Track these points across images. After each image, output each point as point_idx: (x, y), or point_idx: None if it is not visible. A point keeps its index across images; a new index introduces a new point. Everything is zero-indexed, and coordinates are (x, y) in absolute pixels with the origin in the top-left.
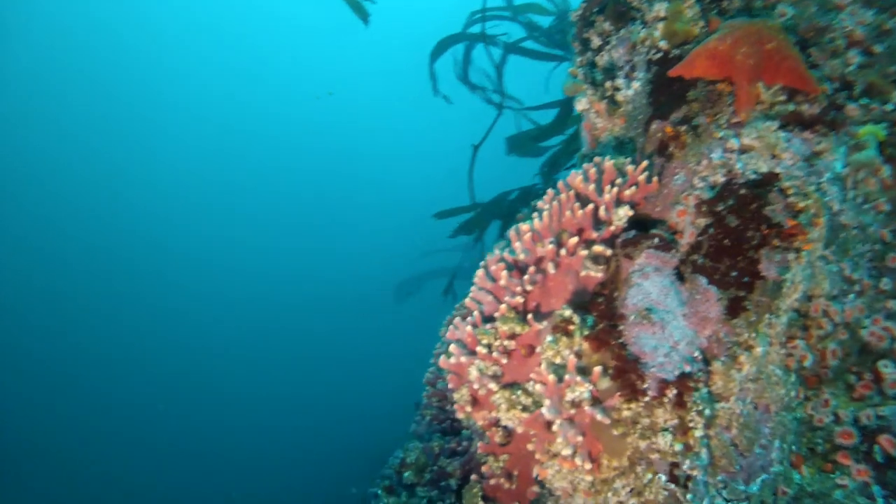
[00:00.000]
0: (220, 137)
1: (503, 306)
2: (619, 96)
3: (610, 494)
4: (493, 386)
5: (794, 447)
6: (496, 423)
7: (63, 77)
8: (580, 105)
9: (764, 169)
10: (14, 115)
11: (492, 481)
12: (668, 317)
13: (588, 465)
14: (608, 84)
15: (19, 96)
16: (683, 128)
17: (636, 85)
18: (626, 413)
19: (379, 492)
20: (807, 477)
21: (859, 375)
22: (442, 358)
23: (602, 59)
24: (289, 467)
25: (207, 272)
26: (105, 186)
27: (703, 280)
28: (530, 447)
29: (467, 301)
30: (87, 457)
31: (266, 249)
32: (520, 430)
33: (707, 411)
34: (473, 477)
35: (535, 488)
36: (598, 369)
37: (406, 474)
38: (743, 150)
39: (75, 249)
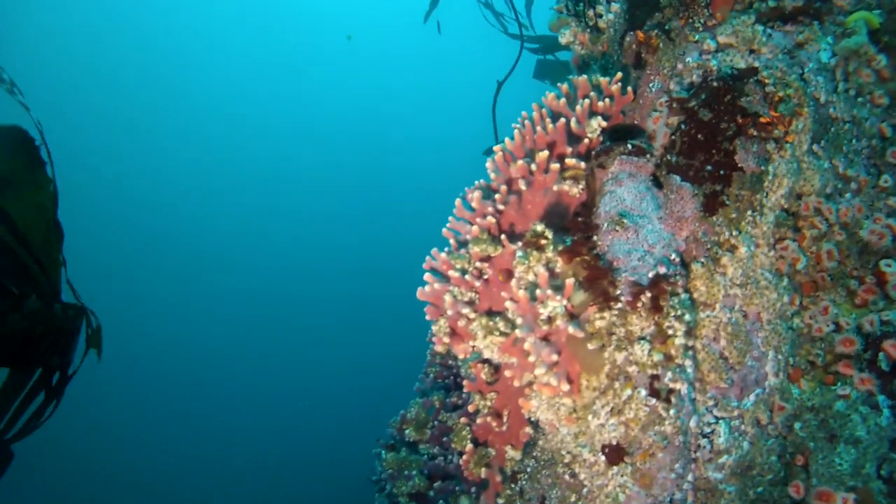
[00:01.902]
0: (234, 107)
1: (474, 228)
2: (602, 23)
3: (590, 417)
4: (468, 312)
5: (791, 359)
6: (481, 359)
7: (68, 69)
8: (564, 38)
9: (741, 65)
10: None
11: (479, 421)
12: (642, 221)
13: (565, 386)
14: (590, 13)
15: (35, 91)
16: (655, 32)
17: (615, 7)
18: (599, 323)
19: (382, 452)
20: (806, 391)
21: (860, 279)
22: (419, 289)
23: None
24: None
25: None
26: (115, 185)
27: (676, 178)
28: (508, 374)
29: (444, 231)
30: (91, 457)
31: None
32: (499, 358)
33: (687, 317)
34: (463, 420)
35: (528, 429)
36: (570, 281)
37: (407, 431)
38: (720, 50)
39: (88, 247)
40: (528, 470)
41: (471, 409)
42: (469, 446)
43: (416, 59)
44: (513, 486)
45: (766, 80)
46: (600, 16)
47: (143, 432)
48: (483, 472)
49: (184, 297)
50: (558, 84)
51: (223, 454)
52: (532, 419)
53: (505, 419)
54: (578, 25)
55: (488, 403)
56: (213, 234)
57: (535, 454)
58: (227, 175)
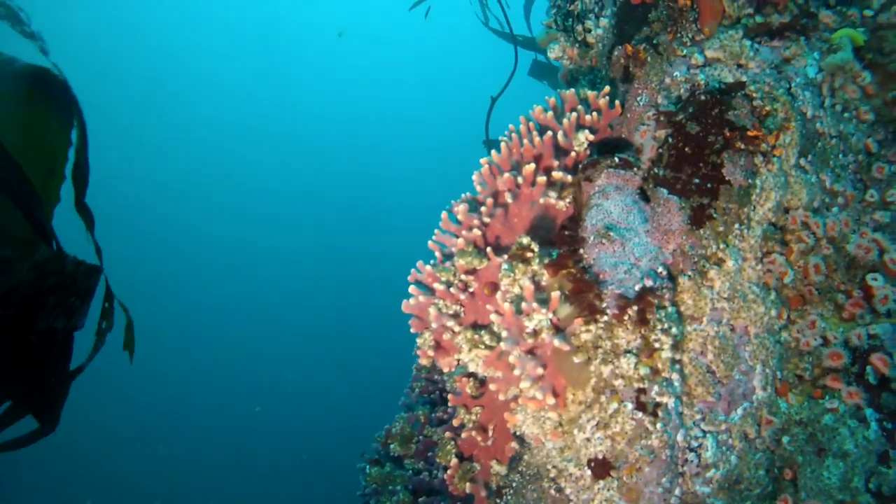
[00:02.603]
0: (233, 115)
1: (460, 240)
2: (590, 38)
3: (576, 431)
4: (453, 325)
5: (778, 373)
6: (466, 373)
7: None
8: (553, 53)
9: (729, 79)
10: None
11: (464, 435)
12: (629, 234)
13: (551, 400)
14: (579, 28)
15: None
16: (643, 46)
17: (604, 22)
18: (585, 336)
19: (366, 466)
20: (794, 405)
21: (848, 293)
22: (404, 302)
23: (576, 8)
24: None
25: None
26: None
27: (663, 191)
28: (493, 387)
29: (430, 243)
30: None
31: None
32: (484, 371)
33: (674, 330)
34: (447, 434)
35: (514, 444)
36: (555, 294)
37: (392, 446)
38: (707, 64)
39: (86, 249)
40: (514, 485)
41: (455, 423)
42: (454, 461)
43: (414, 63)
44: (498, 501)
45: (754, 94)
46: (589, 31)
47: (141, 433)
48: (468, 487)
49: (182, 302)
50: (546, 97)
51: (220, 457)
52: (517, 433)
53: (490, 433)
54: (567, 40)
55: (473, 417)
56: (208, 239)
57: (520, 469)
58: (221, 179)
